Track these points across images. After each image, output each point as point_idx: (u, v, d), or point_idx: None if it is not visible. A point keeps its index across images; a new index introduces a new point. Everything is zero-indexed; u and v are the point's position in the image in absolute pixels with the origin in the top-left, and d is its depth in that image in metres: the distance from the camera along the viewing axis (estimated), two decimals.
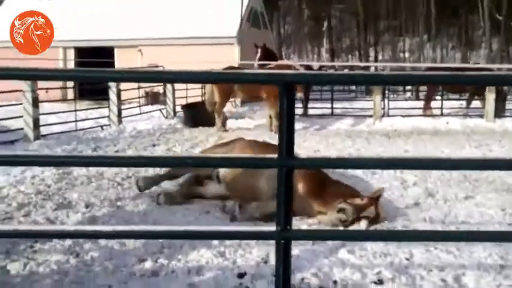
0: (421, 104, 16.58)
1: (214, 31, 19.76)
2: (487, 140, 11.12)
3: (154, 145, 10.46)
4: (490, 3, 31.90)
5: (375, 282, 3.77)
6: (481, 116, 14.16)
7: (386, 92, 16.40)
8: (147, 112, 15.19)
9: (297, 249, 4.42)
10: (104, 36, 20.94)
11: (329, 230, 3.21)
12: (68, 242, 4.55)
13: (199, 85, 16.96)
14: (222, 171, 5.94)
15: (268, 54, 17.15)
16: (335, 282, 3.74)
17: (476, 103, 15.97)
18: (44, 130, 10.55)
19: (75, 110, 12.16)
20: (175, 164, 3.09)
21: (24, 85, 9.87)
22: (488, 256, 4.27)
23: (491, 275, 3.90)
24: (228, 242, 4.64)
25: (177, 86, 15.66)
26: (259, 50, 17.11)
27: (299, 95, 12.08)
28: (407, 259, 4.23)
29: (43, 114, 10.77)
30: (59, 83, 19.52)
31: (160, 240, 4.62)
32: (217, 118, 12.59)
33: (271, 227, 2.08)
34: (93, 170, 7.79)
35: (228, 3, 20.73)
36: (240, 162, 2.54)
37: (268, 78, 1.98)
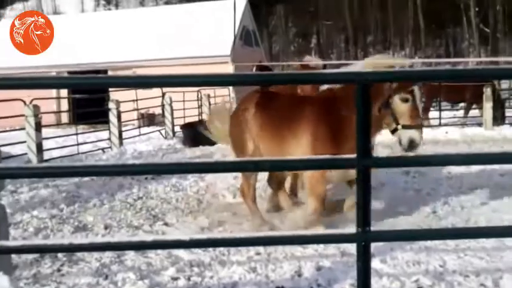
0: None
1: (208, 50, 19.85)
2: (488, 148, 11.17)
3: None
4: (476, 16, 32.41)
5: None
6: (480, 125, 14.21)
7: None
8: (145, 134, 15.11)
9: (328, 261, 4.39)
10: (97, 58, 20.93)
11: (408, 230, 3.17)
12: (95, 264, 4.49)
13: (196, 105, 16.98)
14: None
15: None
16: None
17: (473, 112, 16.07)
18: (44, 155, 10.43)
19: (76, 134, 12.06)
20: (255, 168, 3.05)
21: (27, 110, 9.80)
22: None
23: None
24: (256, 257, 4.60)
25: (175, 106, 15.64)
26: (254, 68, 17.17)
27: None
28: (441, 266, 4.21)
29: (45, 138, 10.65)
30: (53, 108, 19.49)
31: (188, 259, 4.56)
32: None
33: (351, 230, 2.05)
34: (103, 191, 7.72)
35: (221, 22, 20.84)
36: (318, 165, 2.51)
37: (346, 78, 1.96)
